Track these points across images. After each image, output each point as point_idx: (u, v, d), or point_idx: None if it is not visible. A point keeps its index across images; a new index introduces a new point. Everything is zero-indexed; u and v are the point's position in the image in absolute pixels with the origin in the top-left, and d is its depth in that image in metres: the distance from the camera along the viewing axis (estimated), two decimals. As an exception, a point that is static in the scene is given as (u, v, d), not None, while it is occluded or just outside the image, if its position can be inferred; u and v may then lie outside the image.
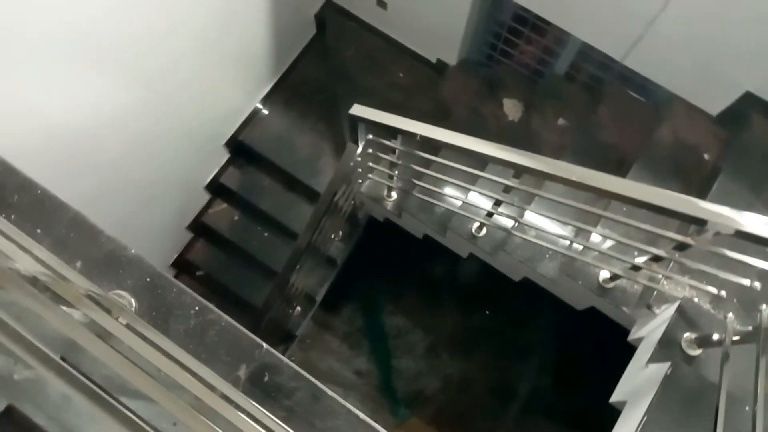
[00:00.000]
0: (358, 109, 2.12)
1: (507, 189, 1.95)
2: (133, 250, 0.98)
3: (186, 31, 2.41)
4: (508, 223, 2.37)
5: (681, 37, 2.13)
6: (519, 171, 1.76)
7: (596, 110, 2.66)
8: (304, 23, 3.45)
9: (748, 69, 2.13)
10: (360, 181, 2.79)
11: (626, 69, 2.46)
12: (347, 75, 3.44)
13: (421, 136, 1.91)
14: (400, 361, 3.92)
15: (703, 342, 1.71)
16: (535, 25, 2.83)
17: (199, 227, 3.56)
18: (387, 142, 2.25)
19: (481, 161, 2.29)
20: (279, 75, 3.47)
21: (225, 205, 3.56)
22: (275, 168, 3.41)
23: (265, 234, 3.50)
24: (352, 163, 2.51)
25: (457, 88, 3.16)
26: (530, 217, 2.33)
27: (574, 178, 1.57)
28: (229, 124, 3.32)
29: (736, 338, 1.54)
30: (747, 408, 1.45)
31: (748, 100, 2.21)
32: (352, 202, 3.01)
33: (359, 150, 2.39)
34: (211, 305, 1.00)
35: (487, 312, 3.99)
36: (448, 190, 2.53)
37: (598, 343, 2.68)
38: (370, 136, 2.30)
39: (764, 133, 2.22)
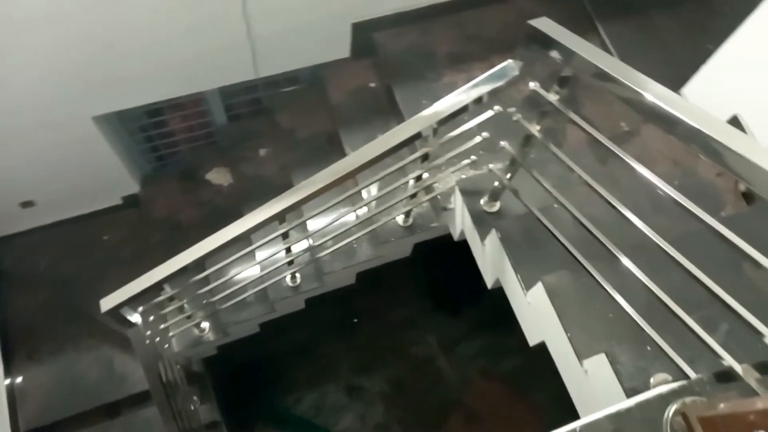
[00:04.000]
0: (106, 303, 1.96)
1: (285, 234, 1.98)
2: None
3: None
4: (308, 253, 2.42)
5: (277, 25, 2.34)
6: (280, 217, 1.80)
7: (279, 122, 2.82)
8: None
9: (338, 7, 2.43)
10: (167, 345, 2.57)
11: (269, 77, 2.64)
12: (64, 283, 3.07)
13: (184, 267, 1.85)
14: (341, 423, 3.82)
15: (493, 195, 2.00)
16: (169, 106, 2.84)
17: None
18: (158, 299, 2.12)
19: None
20: (-2, 342, 2.95)
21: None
22: (83, 415, 2.94)
23: (135, 471, 3.03)
24: (147, 342, 2.31)
25: (164, 201, 3.04)
26: (317, 233, 2.41)
27: (319, 187, 1.67)
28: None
29: (508, 176, 1.85)
30: (555, 206, 1.76)
31: (362, 27, 2.54)
32: (178, 366, 2.77)
33: (140, 325, 2.22)
34: None
35: (356, 320, 4.07)
36: (242, 277, 2.47)
37: (453, 262, 2.89)
38: (141, 309, 2.14)
39: (391, 40, 2.59)
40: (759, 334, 1.12)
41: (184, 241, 1.89)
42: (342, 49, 2.62)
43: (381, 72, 2.64)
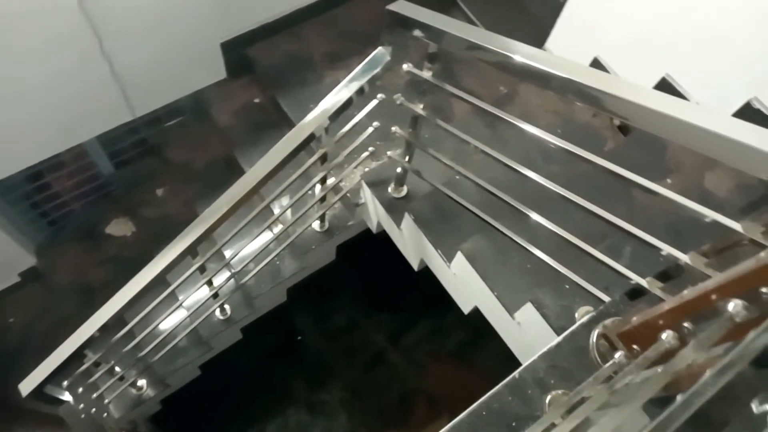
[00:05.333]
0: (26, 385, 1.87)
1: (202, 269, 1.93)
2: None
3: None
4: (232, 281, 2.36)
5: (141, 60, 2.26)
6: (192, 252, 1.74)
7: (170, 157, 2.73)
8: None
9: (201, 31, 2.38)
10: (106, 414, 2.42)
11: (148, 114, 2.54)
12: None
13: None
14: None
15: (398, 181, 2.04)
16: (49, 167, 2.66)
17: None
18: (83, 368, 2.00)
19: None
20: None
21: None
22: None
23: None
24: (83, 416, 2.18)
25: (67, 267, 2.86)
26: (235, 260, 2.35)
27: (223, 212, 1.64)
28: None
29: (407, 158, 1.89)
30: (457, 177, 1.82)
31: (232, 45, 2.50)
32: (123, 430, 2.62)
33: (71, 400, 2.09)
34: None
35: (299, 337, 4.01)
36: (169, 322, 2.37)
37: (379, 255, 2.92)
38: (66, 383, 2.02)
39: (264, 52, 2.57)
40: (657, 249, 1.22)
41: (99, 303, 1.80)
42: (218, 71, 2.56)
43: (263, 85, 2.62)
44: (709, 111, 1.12)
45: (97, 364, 2.04)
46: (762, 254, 0.72)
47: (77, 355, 1.84)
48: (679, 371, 0.66)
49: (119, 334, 1.96)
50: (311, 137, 1.66)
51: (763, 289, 0.68)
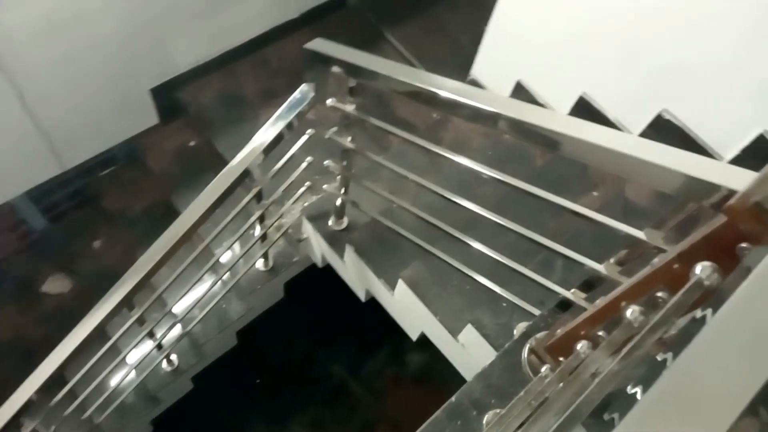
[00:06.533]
0: None
1: (140, 320, 1.87)
2: None
3: None
4: (176, 329, 2.30)
5: (67, 112, 2.22)
6: (127, 304, 1.70)
7: (105, 207, 2.67)
8: None
9: (127, 79, 2.37)
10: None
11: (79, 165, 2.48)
12: None
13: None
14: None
15: (338, 213, 2.05)
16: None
17: None
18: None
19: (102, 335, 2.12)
20: None
21: None
22: None
23: None
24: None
25: (2, 330, 2.72)
26: (178, 307, 2.30)
27: (157, 259, 1.61)
28: None
29: (343, 190, 1.91)
30: (395, 205, 1.85)
31: (162, 90, 2.49)
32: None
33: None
34: None
35: (258, 380, 3.92)
36: (112, 379, 2.28)
37: (328, 288, 2.91)
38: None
39: (196, 95, 2.56)
40: (582, 264, 1.27)
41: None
42: (149, 117, 2.53)
43: (197, 128, 2.60)
44: (617, 133, 1.19)
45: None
46: (656, 260, 0.76)
47: (12, 425, 1.74)
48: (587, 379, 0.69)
49: (58, 396, 1.87)
50: (245, 174, 1.65)
51: (659, 294, 0.73)
